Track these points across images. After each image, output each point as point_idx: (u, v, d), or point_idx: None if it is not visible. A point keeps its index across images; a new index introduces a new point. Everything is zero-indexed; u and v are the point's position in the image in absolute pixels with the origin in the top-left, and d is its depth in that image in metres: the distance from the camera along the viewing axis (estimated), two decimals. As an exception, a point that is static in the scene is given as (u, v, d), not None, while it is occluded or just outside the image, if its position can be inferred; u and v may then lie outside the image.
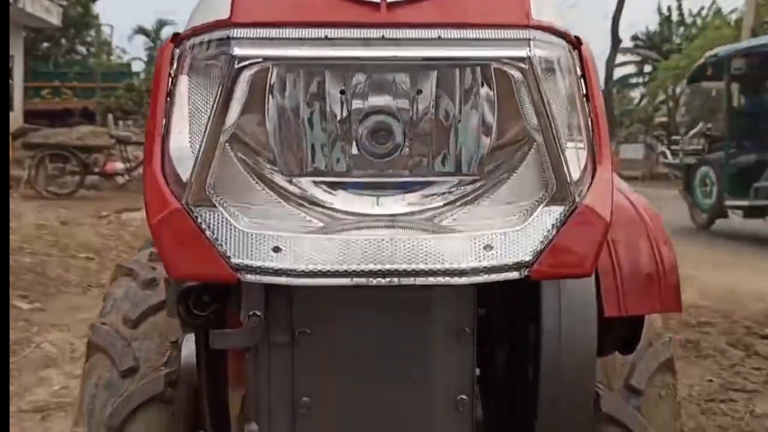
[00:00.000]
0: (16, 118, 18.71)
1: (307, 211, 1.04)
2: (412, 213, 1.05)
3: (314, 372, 1.21)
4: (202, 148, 0.98)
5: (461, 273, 1.02)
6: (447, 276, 1.03)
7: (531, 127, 1.01)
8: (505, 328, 1.36)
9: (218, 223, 1.01)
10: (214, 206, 1.01)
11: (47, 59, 27.20)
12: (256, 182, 1.03)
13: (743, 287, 6.73)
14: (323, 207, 1.05)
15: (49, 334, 4.58)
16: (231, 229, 1.01)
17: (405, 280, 1.03)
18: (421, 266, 1.02)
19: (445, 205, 1.05)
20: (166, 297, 1.14)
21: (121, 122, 18.52)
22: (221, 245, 1.00)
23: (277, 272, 1.01)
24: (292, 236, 1.01)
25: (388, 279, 1.03)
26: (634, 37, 34.34)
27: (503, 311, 1.36)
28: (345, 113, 1.04)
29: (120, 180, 14.49)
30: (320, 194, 1.05)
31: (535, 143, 1.02)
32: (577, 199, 1.02)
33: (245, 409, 1.25)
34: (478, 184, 1.05)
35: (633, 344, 1.39)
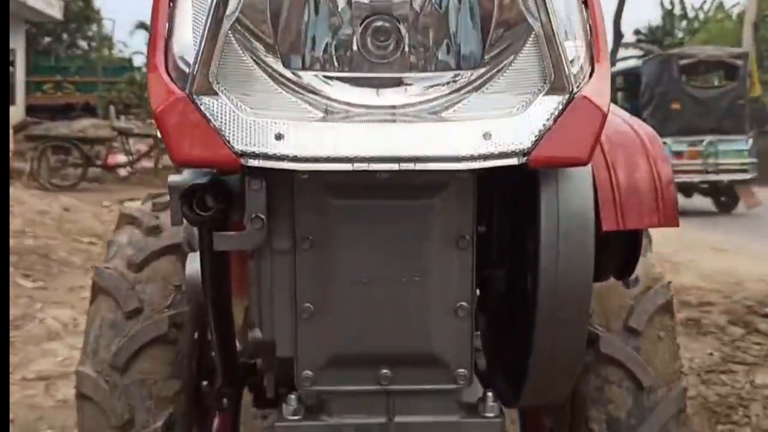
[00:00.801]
0: (17, 112, 18.74)
1: (309, 101, 1.06)
2: (413, 104, 1.07)
3: (316, 278, 1.23)
4: (205, 36, 1.00)
5: (460, 159, 1.04)
6: (446, 162, 1.04)
7: (530, 16, 1.02)
8: (503, 243, 1.37)
9: (222, 111, 1.03)
10: (218, 94, 1.03)
11: (49, 54, 27.20)
12: (259, 72, 1.04)
13: (743, 270, 6.76)
14: (325, 97, 1.06)
15: (52, 311, 4.60)
16: (234, 117, 1.03)
17: (405, 166, 1.04)
18: (421, 152, 1.04)
19: (444, 95, 1.07)
20: (170, 203, 1.16)
21: (122, 116, 18.53)
22: (225, 132, 1.02)
23: (280, 158, 1.03)
24: (294, 124, 1.03)
25: (388, 164, 1.04)
26: (637, 32, 34.28)
27: (502, 225, 1.37)
28: (346, 6, 1.06)
29: (122, 172, 14.52)
30: (322, 85, 1.07)
31: (533, 33, 1.03)
32: (575, 90, 1.04)
33: (248, 317, 1.27)
34: (478, 75, 1.07)
35: (630, 268, 1.40)
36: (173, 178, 1.17)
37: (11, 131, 13.62)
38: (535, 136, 1.04)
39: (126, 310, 1.74)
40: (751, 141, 11.57)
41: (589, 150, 1.05)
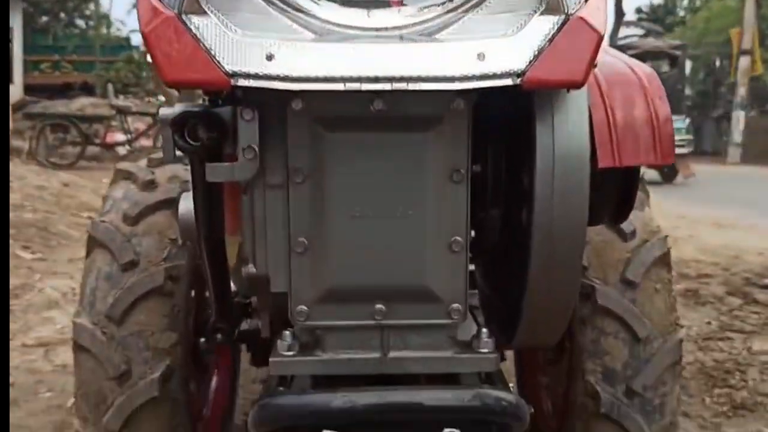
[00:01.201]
0: (15, 91, 18.64)
1: (300, 21, 1.04)
2: (406, 25, 1.05)
3: (309, 212, 1.22)
4: None
5: (454, 79, 1.03)
6: (440, 82, 1.04)
7: None
8: (499, 182, 1.37)
9: (211, 30, 1.02)
10: (207, 14, 1.02)
11: (46, 32, 27.01)
12: None
13: (742, 244, 6.81)
14: (316, 18, 1.05)
15: (51, 281, 4.61)
16: (224, 36, 1.02)
17: (398, 85, 1.03)
18: (414, 73, 1.03)
19: (439, 16, 1.06)
20: (162, 136, 1.15)
21: (121, 95, 18.45)
22: (215, 52, 1.01)
23: (270, 78, 1.02)
24: (285, 44, 1.02)
25: (380, 84, 1.03)
26: (638, 10, 34.12)
27: (497, 164, 1.36)
28: None
29: (121, 151, 14.46)
30: (313, 6, 1.06)
31: None
32: (571, 12, 1.03)
33: (242, 253, 1.26)
34: None
35: (625, 211, 1.40)
36: (164, 110, 1.16)
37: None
38: (530, 57, 1.03)
39: (122, 263, 1.74)
40: (687, 120, 13.81)
41: (584, 71, 1.04)
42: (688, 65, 29.28)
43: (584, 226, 1.21)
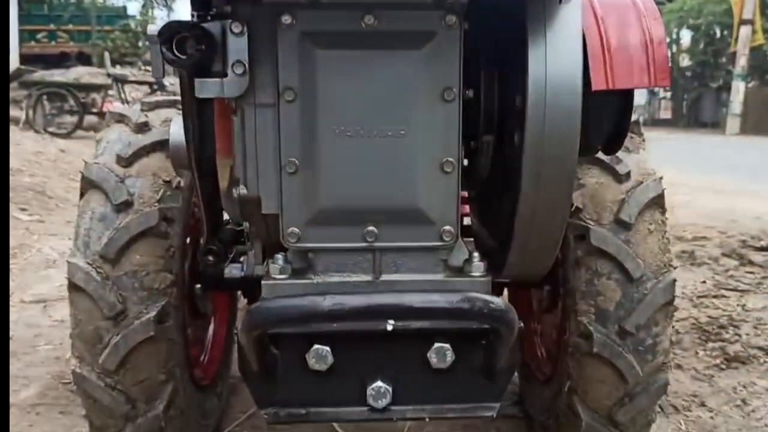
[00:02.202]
0: (11, 61, 18.48)
1: None
2: None
3: (300, 131, 1.22)
4: None
5: None
6: None
7: None
8: (491, 106, 1.36)
9: None
10: None
11: (42, 2, 26.71)
12: None
13: (739, 209, 6.83)
14: None
15: (49, 241, 4.62)
16: None
17: None
18: None
19: None
20: (151, 54, 1.14)
21: (118, 65, 18.31)
22: None
23: None
24: None
25: None
26: (639, -21, 33.76)
27: (489, 87, 1.36)
28: None
29: (118, 119, 14.39)
30: None
31: None
32: None
33: (233, 174, 1.26)
34: None
35: (619, 140, 1.39)
36: (153, 27, 1.16)
37: (5, 78, 13.48)
38: None
39: (115, 203, 1.74)
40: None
41: None
42: (688, 35, 29.12)
43: (575, 152, 1.21)
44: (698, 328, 3.35)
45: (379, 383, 1.19)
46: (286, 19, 1.13)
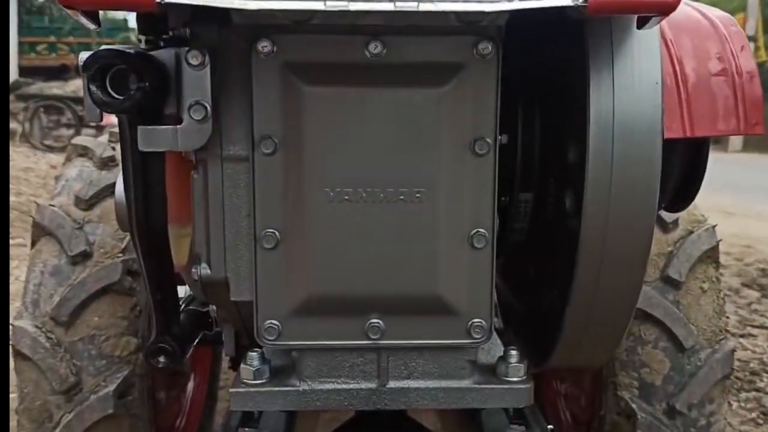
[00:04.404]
0: (10, 73, 18.35)
1: None
2: None
3: (282, 194, 0.93)
4: None
5: None
6: (468, 1, 0.75)
7: None
8: (532, 156, 1.08)
9: None
10: None
11: (42, 14, 26.69)
12: None
13: (753, 233, 6.62)
14: None
15: (29, 268, 4.34)
16: None
17: (403, 5, 0.75)
18: None
19: None
20: (83, 86, 0.87)
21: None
22: None
23: None
24: None
25: (377, 3, 0.75)
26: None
27: (530, 132, 1.08)
28: None
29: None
30: None
31: None
32: None
33: (193, 250, 0.98)
34: None
35: (689, 196, 1.12)
36: (83, 54, 0.88)
37: (2, 91, 13.36)
38: None
39: (71, 254, 1.47)
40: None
41: None
42: (693, 51, 29.01)
43: (653, 219, 0.92)
44: (729, 375, 3.07)
45: None
46: (264, 46, 0.85)
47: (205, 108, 0.86)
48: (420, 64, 0.88)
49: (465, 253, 0.94)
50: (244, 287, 0.97)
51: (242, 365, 1.00)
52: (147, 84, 0.82)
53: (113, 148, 1.66)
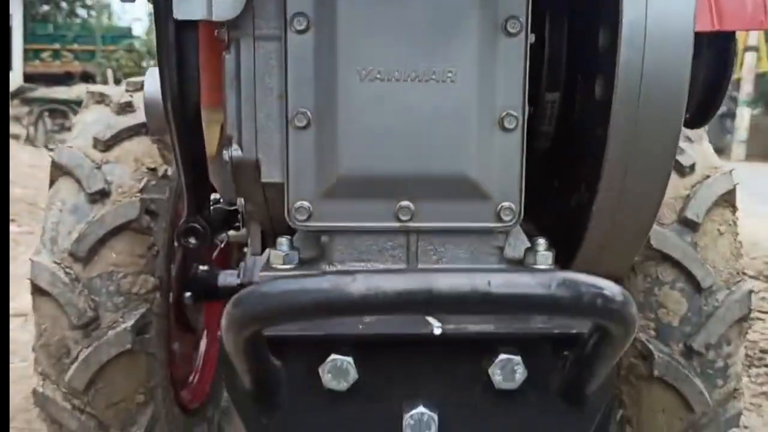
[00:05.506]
0: (14, 79, 18.40)
1: None
2: None
3: (314, 73, 0.93)
4: None
5: None
6: None
7: None
8: (559, 37, 1.06)
9: None
10: None
11: (47, 21, 26.81)
12: None
13: (758, 231, 6.61)
14: None
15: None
16: None
17: None
18: None
19: None
20: None
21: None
22: None
23: None
24: None
25: None
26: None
27: (559, 12, 1.06)
28: None
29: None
30: None
31: None
32: None
33: (224, 132, 0.98)
34: None
35: (714, 105, 1.12)
36: None
37: (6, 95, 13.42)
38: None
39: (90, 192, 1.47)
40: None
41: None
42: (695, 61, 29.02)
43: (682, 113, 0.92)
44: (739, 353, 3.06)
45: (420, 409, 0.86)
46: None
47: None
48: None
49: (495, 134, 0.95)
50: (275, 168, 0.97)
51: (272, 251, 0.99)
52: None
53: (131, 96, 1.67)
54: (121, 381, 1.45)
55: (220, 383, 2.15)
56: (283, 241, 0.97)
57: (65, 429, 1.46)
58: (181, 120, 0.97)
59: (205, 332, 2.06)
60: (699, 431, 1.51)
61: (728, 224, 1.53)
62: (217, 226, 1.12)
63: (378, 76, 0.93)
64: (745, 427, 2.38)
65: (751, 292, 1.50)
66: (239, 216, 1.14)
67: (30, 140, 13.26)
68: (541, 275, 0.74)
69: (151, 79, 1.10)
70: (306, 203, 0.96)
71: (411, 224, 0.97)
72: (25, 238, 4.81)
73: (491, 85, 0.94)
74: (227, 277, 1.66)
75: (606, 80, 0.93)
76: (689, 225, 1.49)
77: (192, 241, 1.01)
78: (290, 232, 1.00)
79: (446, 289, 0.69)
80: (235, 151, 0.96)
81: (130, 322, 1.43)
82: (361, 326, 0.85)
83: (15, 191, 6.00)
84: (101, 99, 1.66)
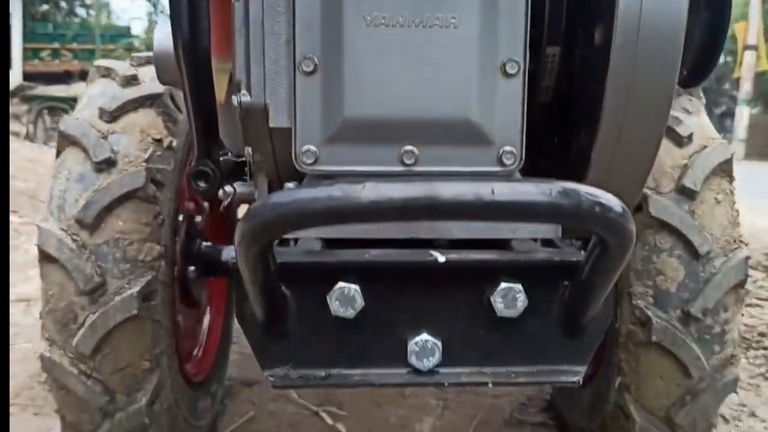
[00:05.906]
0: (13, 77, 18.40)
1: None
2: None
3: (321, 19, 0.95)
4: None
5: None
6: None
7: None
8: None
9: None
10: None
11: (46, 20, 26.80)
12: None
13: (756, 224, 6.65)
14: None
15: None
16: None
17: None
18: None
19: None
20: None
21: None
22: None
23: None
24: None
25: None
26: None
27: None
28: None
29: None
30: None
31: None
32: None
33: (233, 78, 1.01)
34: None
35: (711, 63, 1.14)
36: None
37: (6, 93, 13.42)
38: None
39: (96, 161, 1.49)
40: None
41: None
42: (693, 60, 29.07)
43: (678, 57, 0.94)
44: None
45: (424, 336, 0.89)
46: None
47: None
48: None
49: (498, 80, 0.97)
50: (283, 113, 0.99)
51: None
52: None
53: (136, 70, 1.69)
54: (127, 347, 1.47)
55: (224, 360, 2.18)
56: (290, 186, 1.00)
57: (71, 394, 1.48)
58: (192, 68, 1.00)
59: (209, 308, 2.08)
60: (696, 396, 1.53)
61: (725, 193, 1.56)
62: (225, 175, 1.15)
63: (383, 21, 0.95)
64: (743, 405, 2.40)
65: (747, 258, 1.52)
66: (246, 170, 1.16)
67: (29, 138, 13.27)
68: (543, 184, 0.76)
69: (161, 32, 1.12)
70: (313, 147, 0.98)
71: (415, 168, 1.00)
72: (26, 228, 4.84)
73: (493, 32, 0.97)
74: (231, 252, 1.68)
75: (605, 27, 0.95)
76: (687, 193, 1.52)
77: (202, 184, 1.03)
78: (297, 176, 1.02)
79: (451, 196, 0.71)
80: (243, 97, 0.98)
81: (136, 289, 1.45)
82: (367, 255, 0.88)
83: (16, 184, 6.03)
84: (107, 72, 1.68)
